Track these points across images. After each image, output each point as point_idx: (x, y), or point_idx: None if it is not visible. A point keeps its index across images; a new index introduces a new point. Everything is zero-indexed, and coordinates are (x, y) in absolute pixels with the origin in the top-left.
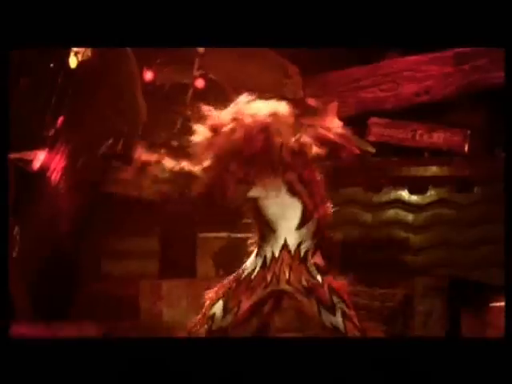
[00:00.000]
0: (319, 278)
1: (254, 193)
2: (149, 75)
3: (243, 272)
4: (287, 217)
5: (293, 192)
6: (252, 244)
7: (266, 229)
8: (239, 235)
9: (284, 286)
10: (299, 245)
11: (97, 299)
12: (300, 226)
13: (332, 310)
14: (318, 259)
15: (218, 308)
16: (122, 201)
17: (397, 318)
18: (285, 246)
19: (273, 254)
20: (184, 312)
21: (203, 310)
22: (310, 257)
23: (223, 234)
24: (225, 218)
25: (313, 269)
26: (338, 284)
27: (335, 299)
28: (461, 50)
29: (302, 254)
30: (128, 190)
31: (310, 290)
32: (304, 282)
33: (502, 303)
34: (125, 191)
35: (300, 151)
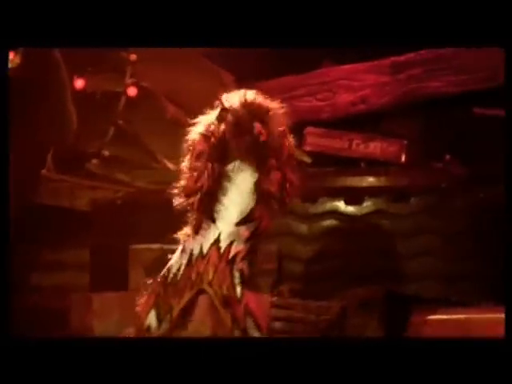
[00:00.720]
0: (239, 290)
1: (233, 166)
2: (79, 83)
3: (169, 273)
4: (236, 207)
5: (260, 186)
6: (183, 236)
7: (206, 221)
8: (172, 247)
9: (205, 287)
10: (231, 243)
11: (27, 311)
12: (240, 223)
13: (244, 333)
14: (244, 266)
15: (151, 319)
16: (53, 212)
17: (332, 331)
18: (217, 241)
19: (201, 249)
20: (115, 325)
21: (137, 324)
22: (238, 260)
23: (156, 246)
24: (158, 230)
25: (237, 275)
26: (257, 303)
27: (249, 323)
28: (396, 58)
29: (231, 255)
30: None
31: (228, 302)
32: (224, 290)
33: (440, 316)
34: (56, 202)
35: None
